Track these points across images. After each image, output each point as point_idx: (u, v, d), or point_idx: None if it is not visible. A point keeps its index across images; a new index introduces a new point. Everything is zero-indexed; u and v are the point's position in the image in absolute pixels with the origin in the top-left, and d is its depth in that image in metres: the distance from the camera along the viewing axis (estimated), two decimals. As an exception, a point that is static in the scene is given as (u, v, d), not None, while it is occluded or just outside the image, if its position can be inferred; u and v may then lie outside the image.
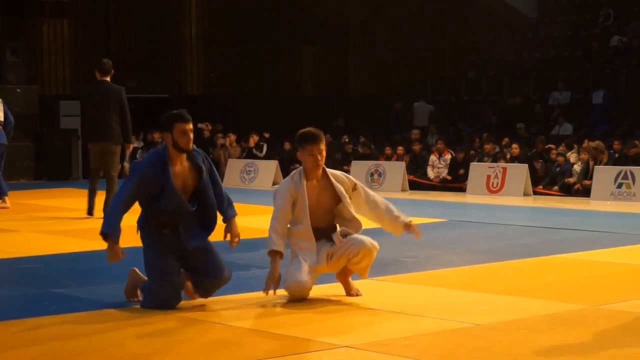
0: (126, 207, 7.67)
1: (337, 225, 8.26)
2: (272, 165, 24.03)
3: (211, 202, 7.89)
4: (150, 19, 29.76)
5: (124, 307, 7.79)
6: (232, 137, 26.36)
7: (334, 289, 8.27)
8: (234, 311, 7.74)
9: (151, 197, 7.65)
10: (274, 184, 22.08)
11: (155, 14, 29.86)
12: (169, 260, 7.70)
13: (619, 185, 18.88)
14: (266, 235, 7.92)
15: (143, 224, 7.83)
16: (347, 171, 22.98)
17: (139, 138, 25.82)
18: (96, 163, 14.83)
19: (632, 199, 18.42)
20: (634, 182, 18.72)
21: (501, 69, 30.09)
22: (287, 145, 25.08)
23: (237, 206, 8.13)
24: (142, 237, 7.86)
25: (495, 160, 21.39)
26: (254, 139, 25.87)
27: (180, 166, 7.74)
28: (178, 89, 30.22)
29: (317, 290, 8.10)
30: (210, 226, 7.94)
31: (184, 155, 7.76)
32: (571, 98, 27.41)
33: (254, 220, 12.38)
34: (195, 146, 7.91)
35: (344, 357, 6.28)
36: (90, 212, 14.46)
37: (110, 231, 7.55)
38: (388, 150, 23.63)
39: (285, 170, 22.13)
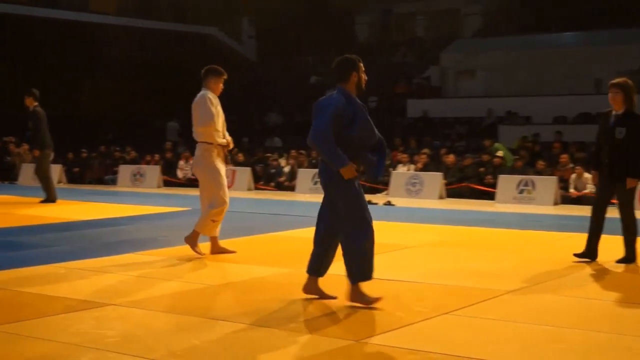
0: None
1: None
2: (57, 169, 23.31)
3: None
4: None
5: None
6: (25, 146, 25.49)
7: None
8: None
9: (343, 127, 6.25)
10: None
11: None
12: None
13: (315, 183, 19.48)
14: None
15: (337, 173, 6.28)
16: (116, 172, 22.97)
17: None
18: None
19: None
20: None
21: (230, 96, 30.37)
22: (70, 155, 24.77)
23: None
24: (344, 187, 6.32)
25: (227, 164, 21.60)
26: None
27: None
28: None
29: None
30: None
31: None
32: (283, 120, 28.14)
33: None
34: None
35: (110, 314, 6.20)
36: None
37: (344, 161, 6.20)
38: (148, 157, 23.58)
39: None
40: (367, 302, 6.34)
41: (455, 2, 32.28)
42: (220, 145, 8.92)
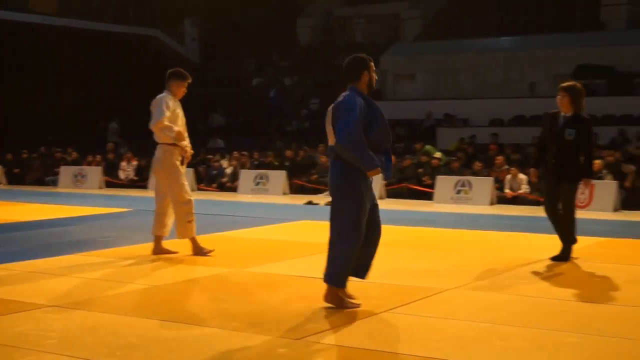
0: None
1: None
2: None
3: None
4: None
5: None
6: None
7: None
8: None
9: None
10: None
11: None
12: None
13: (257, 184, 19.43)
14: None
15: (349, 170, 6.14)
16: (57, 173, 22.58)
17: None
18: None
19: (267, 192, 18.99)
20: (268, 180, 19.33)
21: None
22: (9, 156, 24.30)
23: None
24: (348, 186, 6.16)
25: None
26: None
27: None
28: None
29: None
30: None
31: None
32: (225, 122, 27.99)
33: None
34: None
35: (52, 315, 6.08)
36: None
37: (375, 162, 6.03)
38: (90, 158, 23.23)
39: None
40: (343, 306, 6.20)
41: (395, 6, 32.45)
42: (180, 146, 8.82)
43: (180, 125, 8.82)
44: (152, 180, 20.81)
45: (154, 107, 8.70)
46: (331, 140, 6.26)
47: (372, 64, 6.44)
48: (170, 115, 8.68)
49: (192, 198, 8.88)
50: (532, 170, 9.13)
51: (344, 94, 6.31)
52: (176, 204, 8.75)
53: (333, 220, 6.25)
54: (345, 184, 6.19)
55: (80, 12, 31.27)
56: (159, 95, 8.75)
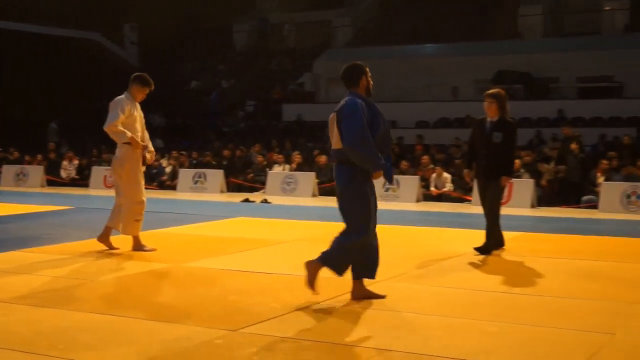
0: None
1: None
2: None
3: None
4: None
5: None
6: None
7: None
8: None
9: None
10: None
11: None
12: None
13: (196, 182, 19.29)
14: None
15: (354, 173, 6.18)
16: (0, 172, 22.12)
17: None
18: None
19: (205, 191, 18.87)
20: (206, 179, 19.22)
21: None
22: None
23: None
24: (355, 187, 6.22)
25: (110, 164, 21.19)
26: None
27: None
28: None
29: None
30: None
31: None
32: (165, 122, 27.72)
33: None
34: None
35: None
36: None
37: (382, 163, 6.14)
38: (28, 158, 22.80)
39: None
40: (367, 296, 6.29)
41: (327, 14, 32.55)
42: (139, 147, 8.68)
43: (138, 127, 8.69)
44: (93, 179, 20.64)
45: (110, 108, 8.56)
46: (335, 143, 6.27)
47: (368, 70, 6.51)
48: (125, 119, 8.52)
49: (145, 199, 8.78)
50: (465, 171, 9.33)
51: (345, 98, 6.35)
52: (130, 202, 8.64)
53: (345, 220, 6.30)
54: (351, 188, 6.22)
55: (22, 15, 30.61)
56: (118, 97, 8.60)
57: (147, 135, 8.93)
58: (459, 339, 5.14)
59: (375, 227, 6.35)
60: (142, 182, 8.81)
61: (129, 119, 8.57)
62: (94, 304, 6.18)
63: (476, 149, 9.05)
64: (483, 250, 8.82)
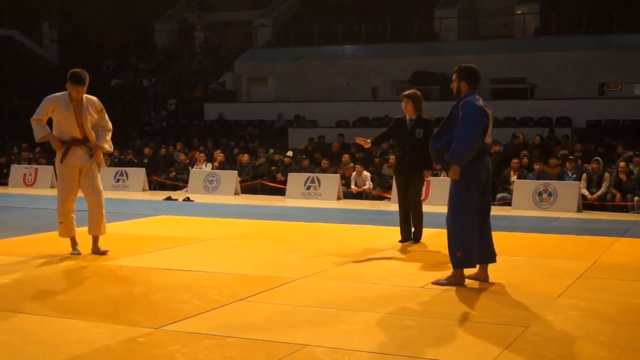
0: None
1: None
2: None
3: None
4: None
5: None
6: None
7: None
8: None
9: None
10: None
11: None
12: None
13: (117, 180, 18.98)
14: None
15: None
16: None
17: None
18: None
19: (126, 189, 18.59)
20: (127, 177, 18.91)
21: (34, 97, 29.13)
22: None
23: None
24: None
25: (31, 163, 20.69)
26: None
27: None
28: None
29: None
30: None
31: None
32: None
33: None
34: None
35: None
36: None
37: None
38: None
39: None
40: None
41: (248, 14, 32.43)
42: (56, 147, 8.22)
43: (67, 124, 8.16)
44: (12, 178, 20.08)
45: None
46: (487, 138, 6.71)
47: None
48: (49, 115, 8.14)
49: (65, 201, 8.24)
50: (366, 140, 9.45)
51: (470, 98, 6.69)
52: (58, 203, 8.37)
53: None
54: None
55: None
56: (53, 95, 8.20)
57: (101, 134, 8.33)
58: (381, 333, 5.18)
59: None
60: (66, 184, 8.26)
61: (58, 117, 8.16)
62: (12, 303, 6.00)
63: (398, 145, 9.48)
64: (416, 238, 9.30)
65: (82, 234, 8.38)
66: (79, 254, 8.28)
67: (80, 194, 8.38)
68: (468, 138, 6.53)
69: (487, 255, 6.86)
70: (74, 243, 8.39)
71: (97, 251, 8.35)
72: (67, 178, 8.27)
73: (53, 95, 8.23)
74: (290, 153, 19.35)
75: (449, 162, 6.70)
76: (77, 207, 8.37)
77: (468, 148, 6.55)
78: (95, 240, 8.41)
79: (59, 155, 8.28)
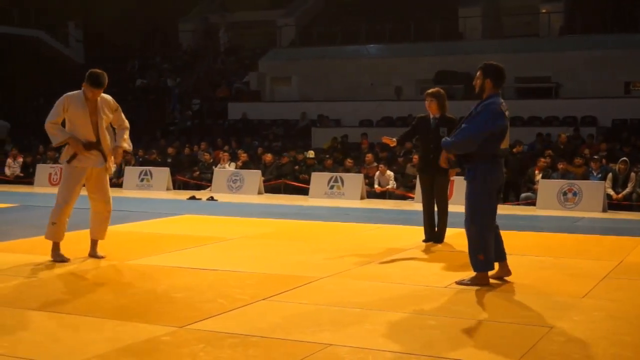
0: None
1: None
2: None
3: None
4: None
5: None
6: None
7: None
8: None
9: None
10: None
11: None
12: None
13: (142, 180, 19.07)
14: None
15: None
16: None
17: None
18: None
19: (151, 188, 18.68)
20: (152, 177, 19.01)
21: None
22: None
23: None
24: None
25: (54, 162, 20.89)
26: None
27: None
28: None
29: None
30: None
31: None
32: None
33: None
34: None
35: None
36: None
37: None
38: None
39: None
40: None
41: (271, 14, 32.49)
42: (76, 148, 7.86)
43: (81, 124, 7.85)
44: (38, 177, 20.26)
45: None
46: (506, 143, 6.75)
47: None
48: (63, 116, 7.83)
49: (64, 203, 7.92)
50: (391, 138, 9.43)
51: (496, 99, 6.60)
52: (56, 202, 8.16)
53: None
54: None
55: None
56: (67, 94, 7.90)
57: (119, 134, 8.20)
58: (403, 333, 5.16)
59: None
60: (72, 183, 7.95)
61: (71, 117, 7.88)
62: (38, 302, 6.04)
63: (421, 144, 9.43)
64: (438, 238, 9.21)
65: (83, 235, 8.26)
66: (67, 260, 7.89)
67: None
68: (470, 135, 6.46)
69: (501, 253, 6.87)
70: (56, 248, 7.97)
71: (94, 255, 8.09)
72: (73, 181, 7.93)
73: (66, 94, 7.90)
74: (312, 154, 19.30)
75: (443, 146, 6.80)
76: (77, 206, 8.22)
77: (464, 143, 6.52)
78: (94, 244, 8.15)
79: (66, 154, 7.95)
